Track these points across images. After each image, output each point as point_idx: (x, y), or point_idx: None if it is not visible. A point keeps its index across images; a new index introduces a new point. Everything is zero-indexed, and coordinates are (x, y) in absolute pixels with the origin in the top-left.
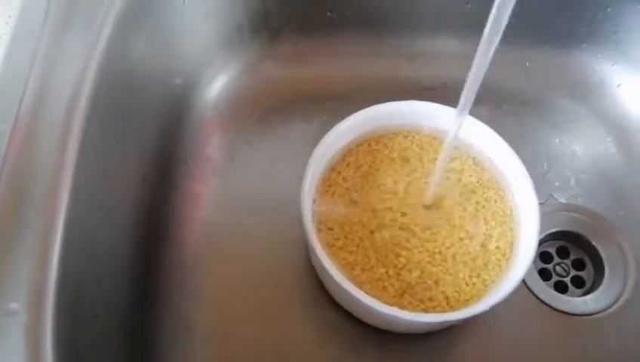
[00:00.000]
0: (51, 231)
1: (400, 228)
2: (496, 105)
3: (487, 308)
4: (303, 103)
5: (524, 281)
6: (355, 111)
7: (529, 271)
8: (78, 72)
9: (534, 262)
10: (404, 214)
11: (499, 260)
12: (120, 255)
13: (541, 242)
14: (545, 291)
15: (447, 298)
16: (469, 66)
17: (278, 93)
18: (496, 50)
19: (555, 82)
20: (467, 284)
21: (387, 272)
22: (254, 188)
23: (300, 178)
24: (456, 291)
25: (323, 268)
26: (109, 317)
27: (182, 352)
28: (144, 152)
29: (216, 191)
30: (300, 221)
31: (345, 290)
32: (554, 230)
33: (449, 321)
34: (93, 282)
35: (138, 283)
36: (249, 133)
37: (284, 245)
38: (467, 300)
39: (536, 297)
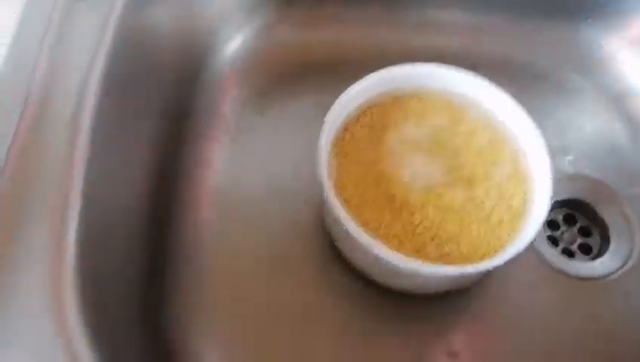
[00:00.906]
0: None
1: (414, 187)
2: (506, 78)
3: (502, 263)
4: (316, 67)
5: (533, 246)
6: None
7: (538, 237)
8: (95, 32)
9: (543, 229)
10: (417, 174)
11: (513, 218)
12: (135, 214)
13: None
14: (554, 256)
15: (462, 254)
16: (478, 36)
17: (292, 56)
18: (506, 24)
19: (563, 56)
20: (482, 242)
21: (402, 229)
22: (267, 150)
23: (312, 141)
24: (471, 248)
25: (339, 223)
26: (125, 271)
27: (195, 303)
28: (158, 114)
29: (230, 153)
30: (312, 184)
31: (362, 245)
32: (560, 198)
33: (467, 273)
34: (111, 239)
35: (154, 239)
36: (263, 95)
37: (297, 209)
38: (483, 255)
39: (546, 262)
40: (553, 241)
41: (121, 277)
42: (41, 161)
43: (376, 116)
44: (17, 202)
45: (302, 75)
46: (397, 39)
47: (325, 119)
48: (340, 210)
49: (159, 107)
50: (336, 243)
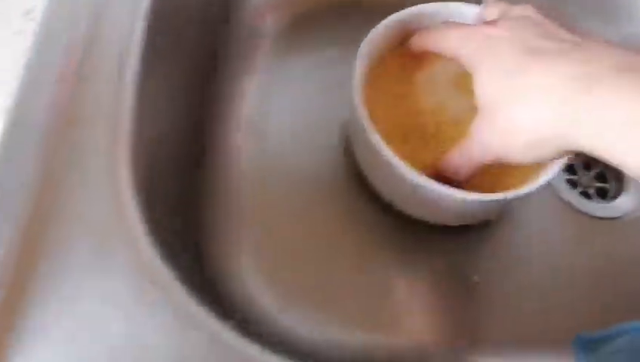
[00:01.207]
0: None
1: (445, 119)
2: None
3: (525, 193)
4: (351, 6)
5: (552, 186)
6: None
7: (558, 180)
8: None
9: (562, 172)
10: (447, 107)
11: None
12: (178, 137)
13: None
14: (572, 197)
15: (490, 183)
16: None
17: None
18: None
19: (590, 6)
20: (506, 174)
21: (432, 158)
22: (298, 85)
23: (341, 77)
24: (496, 179)
25: (370, 143)
26: (171, 187)
27: (228, 229)
28: (196, 50)
29: (262, 88)
30: (341, 119)
31: (385, 158)
32: None
33: (493, 200)
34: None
35: (194, 161)
36: (295, 32)
37: (325, 142)
38: (506, 188)
39: (564, 202)
40: (572, 184)
41: (168, 193)
42: (93, 93)
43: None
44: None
45: (334, 12)
46: None
47: (359, 52)
48: (367, 121)
49: (196, 44)
50: (362, 171)
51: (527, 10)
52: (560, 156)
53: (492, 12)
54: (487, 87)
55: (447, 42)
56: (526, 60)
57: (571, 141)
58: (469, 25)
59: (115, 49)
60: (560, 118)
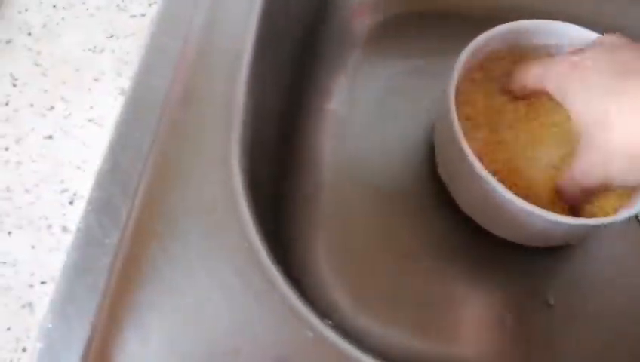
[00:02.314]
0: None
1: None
2: None
3: (617, 221)
4: (442, 16)
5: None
6: None
7: None
8: None
9: None
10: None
11: None
12: (274, 128)
13: None
14: None
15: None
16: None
17: (420, 2)
18: None
19: None
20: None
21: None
22: (385, 90)
23: (430, 88)
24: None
25: (463, 156)
26: (264, 167)
27: (313, 214)
28: (294, 47)
29: (347, 88)
30: (427, 127)
31: (483, 180)
32: None
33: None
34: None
35: (284, 151)
36: (385, 37)
37: (410, 147)
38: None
39: None
40: None
41: (264, 162)
42: (212, 56)
43: (500, 67)
44: (192, 87)
45: (425, 19)
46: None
47: (456, 63)
48: (461, 134)
49: (297, 41)
50: (445, 183)
51: (612, 37)
52: None
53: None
54: (583, 114)
55: (531, 77)
56: (618, 83)
57: None
58: (551, 58)
59: (230, 37)
60: None
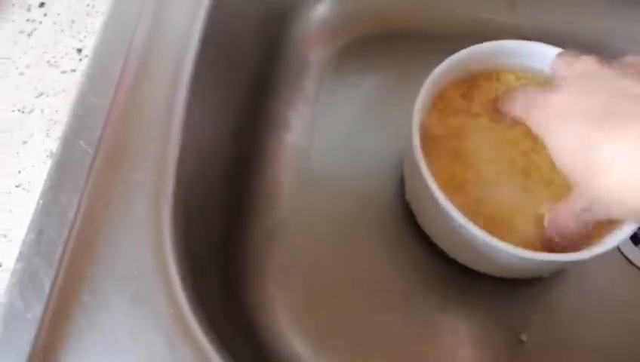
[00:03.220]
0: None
1: (505, 168)
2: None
3: (590, 257)
4: (400, 37)
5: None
6: (453, 52)
7: None
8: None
9: None
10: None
11: None
12: (222, 163)
13: None
14: (636, 254)
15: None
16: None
17: (376, 23)
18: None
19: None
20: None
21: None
22: (349, 117)
23: (395, 114)
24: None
25: (427, 188)
26: (209, 212)
27: (272, 254)
28: (245, 73)
29: (308, 118)
30: (392, 151)
31: (449, 215)
32: None
33: (550, 261)
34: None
35: (235, 188)
36: (345, 59)
37: (375, 175)
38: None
39: (627, 258)
40: (634, 240)
41: (206, 217)
42: (143, 109)
43: (463, 93)
44: (122, 146)
45: (384, 42)
46: (484, 15)
47: (422, 87)
48: (427, 175)
49: (246, 66)
50: (413, 211)
51: (590, 64)
52: None
53: (559, 65)
54: (564, 158)
55: (514, 109)
56: (600, 129)
57: None
58: (534, 91)
59: (164, 81)
60: None
